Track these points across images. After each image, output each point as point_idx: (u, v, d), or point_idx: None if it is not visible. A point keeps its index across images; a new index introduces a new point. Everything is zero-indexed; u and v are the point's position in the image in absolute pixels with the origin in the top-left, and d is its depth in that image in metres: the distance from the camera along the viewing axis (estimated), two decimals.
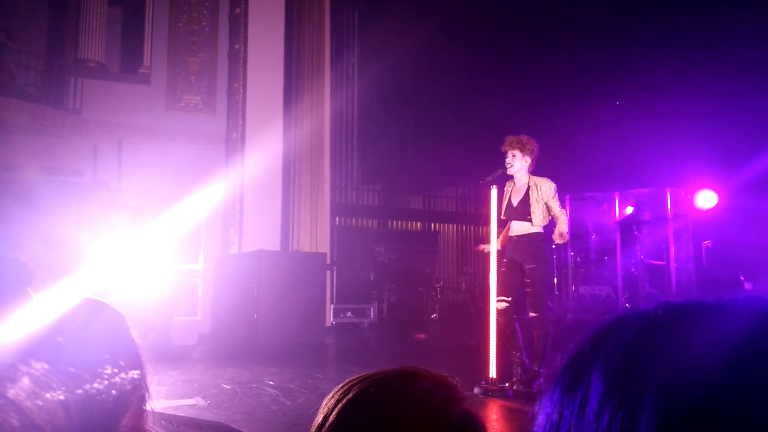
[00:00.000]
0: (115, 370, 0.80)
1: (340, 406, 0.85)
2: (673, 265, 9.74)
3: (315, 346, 7.47)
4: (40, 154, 8.85)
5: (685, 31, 9.86)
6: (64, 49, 9.94)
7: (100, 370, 0.78)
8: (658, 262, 9.88)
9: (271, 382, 4.82)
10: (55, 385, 0.72)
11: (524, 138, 4.87)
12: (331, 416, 0.85)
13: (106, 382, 0.78)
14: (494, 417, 4.04)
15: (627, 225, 9.92)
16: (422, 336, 9.02)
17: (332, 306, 9.73)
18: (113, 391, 0.79)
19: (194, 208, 8.73)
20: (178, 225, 8.42)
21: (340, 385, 0.90)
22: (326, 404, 0.87)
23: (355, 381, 0.89)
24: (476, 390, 4.59)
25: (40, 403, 0.70)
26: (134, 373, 0.83)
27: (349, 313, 9.98)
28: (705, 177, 10.14)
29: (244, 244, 9.18)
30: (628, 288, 9.72)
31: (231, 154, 9.64)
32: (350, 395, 0.86)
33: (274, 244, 9.27)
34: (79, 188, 8.49)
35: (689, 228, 10.14)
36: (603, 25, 10.43)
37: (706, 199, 10.31)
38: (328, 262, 9.37)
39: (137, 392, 0.83)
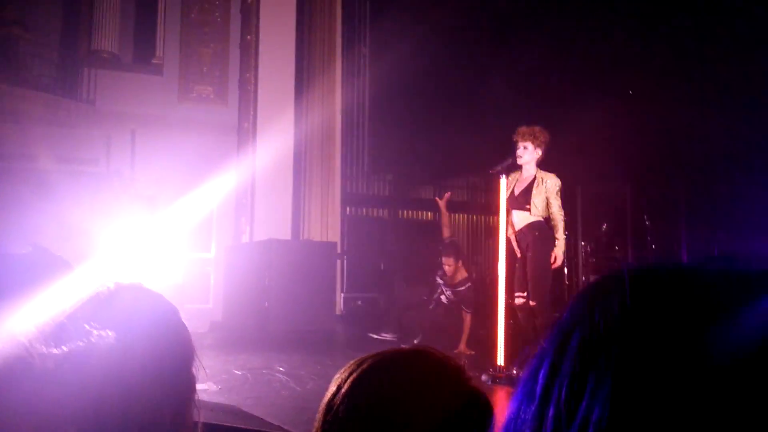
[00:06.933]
0: (171, 353, 0.86)
1: (354, 375, 0.89)
2: (684, 253, 9.70)
3: (325, 334, 7.54)
4: (55, 144, 8.96)
5: None
6: (78, 40, 10.03)
7: (158, 350, 0.85)
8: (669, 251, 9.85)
9: (281, 368, 4.89)
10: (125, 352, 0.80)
11: (537, 129, 4.78)
12: (345, 385, 0.88)
13: (164, 361, 0.84)
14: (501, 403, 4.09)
15: (638, 213, 9.89)
16: None
17: (342, 295, 9.80)
18: (169, 370, 0.85)
19: (206, 197, 8.81)
20: (191, 214, 8.51)
21: (352, 361, 0.93)
22: (339, 377, 0.91)
23: (368, 356, 0.92)
24: (484, 377, 4.62)
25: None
26: (187, 357, 0.89)
27: (359, 302, 10.06)
28: None
29: (255, 232, 9.26)
30: None
31: (242, 143, 9.72)
32: (365, 366, 0.90)
33: (285, 233, 9.34)
34: (93, 178, 8.61)
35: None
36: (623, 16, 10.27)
37: None
38: (339, 251, 9.42)
39: (188, 375, 0.89)
